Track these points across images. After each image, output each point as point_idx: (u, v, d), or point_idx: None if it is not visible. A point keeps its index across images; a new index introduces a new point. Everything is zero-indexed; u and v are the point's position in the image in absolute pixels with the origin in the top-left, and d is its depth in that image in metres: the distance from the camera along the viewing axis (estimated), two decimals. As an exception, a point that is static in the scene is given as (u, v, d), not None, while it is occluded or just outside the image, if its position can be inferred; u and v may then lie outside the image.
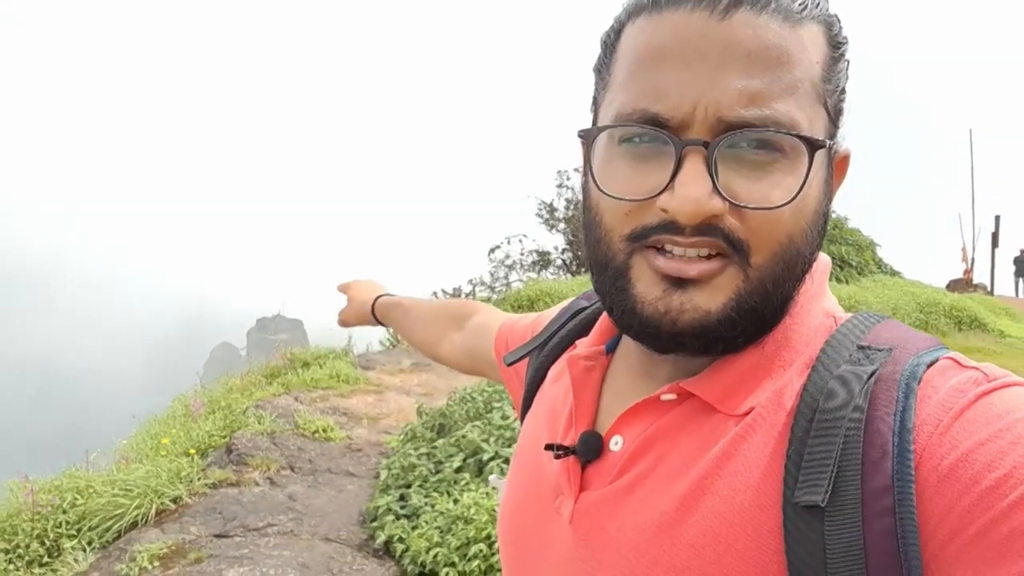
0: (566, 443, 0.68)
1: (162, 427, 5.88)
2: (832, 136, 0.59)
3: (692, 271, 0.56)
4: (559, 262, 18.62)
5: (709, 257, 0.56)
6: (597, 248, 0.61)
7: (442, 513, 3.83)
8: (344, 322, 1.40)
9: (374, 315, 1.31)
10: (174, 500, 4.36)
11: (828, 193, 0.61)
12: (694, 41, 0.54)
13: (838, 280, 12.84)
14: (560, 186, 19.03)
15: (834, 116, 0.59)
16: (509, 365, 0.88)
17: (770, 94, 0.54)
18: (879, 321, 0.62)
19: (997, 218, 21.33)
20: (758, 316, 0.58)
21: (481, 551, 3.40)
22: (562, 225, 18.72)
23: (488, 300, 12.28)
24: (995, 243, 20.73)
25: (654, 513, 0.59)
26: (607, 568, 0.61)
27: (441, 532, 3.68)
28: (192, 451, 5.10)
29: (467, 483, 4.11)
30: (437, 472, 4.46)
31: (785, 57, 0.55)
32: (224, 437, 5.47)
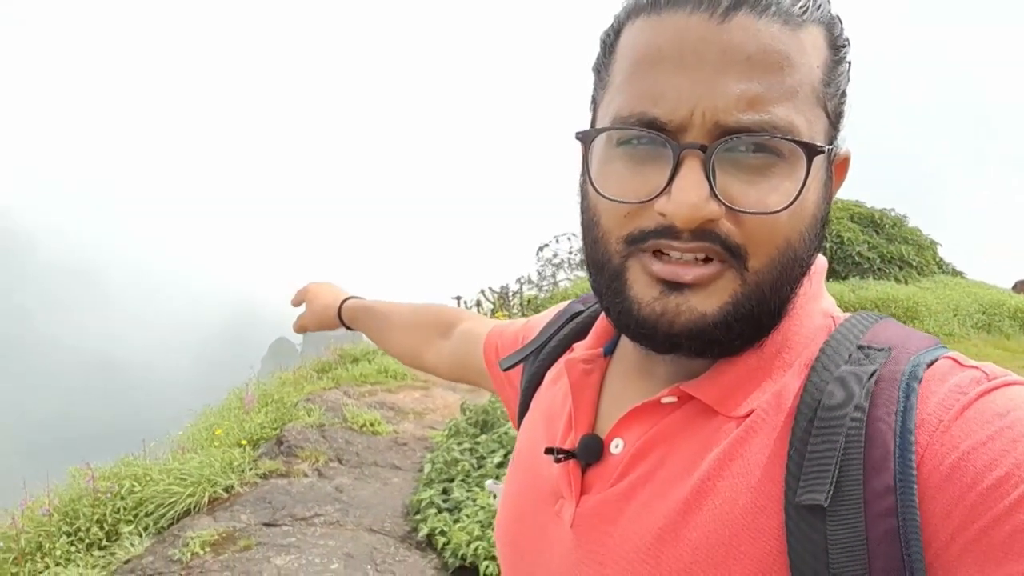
0: (566, 446, 0.68)
1: (217, 419, 6.07)
2: (832, 139, 0.59)
3: (688, 275, 0.56)
4: None
5: (706, 261, 0.56)
6: (594, 249, 0.61)
7: (483, 507, 3.88)
8: (303, 327, 1.34)
9: (340, 318, 1.27)
10: (226, 489, 4.50)
11: (827, 196, 0.60)
12: (692, 44, 0.54)
13: (896, 280, 12.47)
14: None
15: (834, 119, 0.58)
16: (505, 371, 0.88)
17: (769, 98, 0.53)
18: (877, 321, 0.62)
19: (1068, 216, 20.36)
20: (755, 320, 0.58)
21: (521, 545, 3.43)
22: None
23: (535, 298, 12.29)
24: (1066, 242, 19.79)
25: (656, 516, 0.59)
26: (610, 572, 0.61)
27: (482, 526, 3.73)
28: (244, 442, 5.25)
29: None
30: (479, 467, 4.51)
31: (785, 61, 0.54)
32: (275, 429, 5.62)
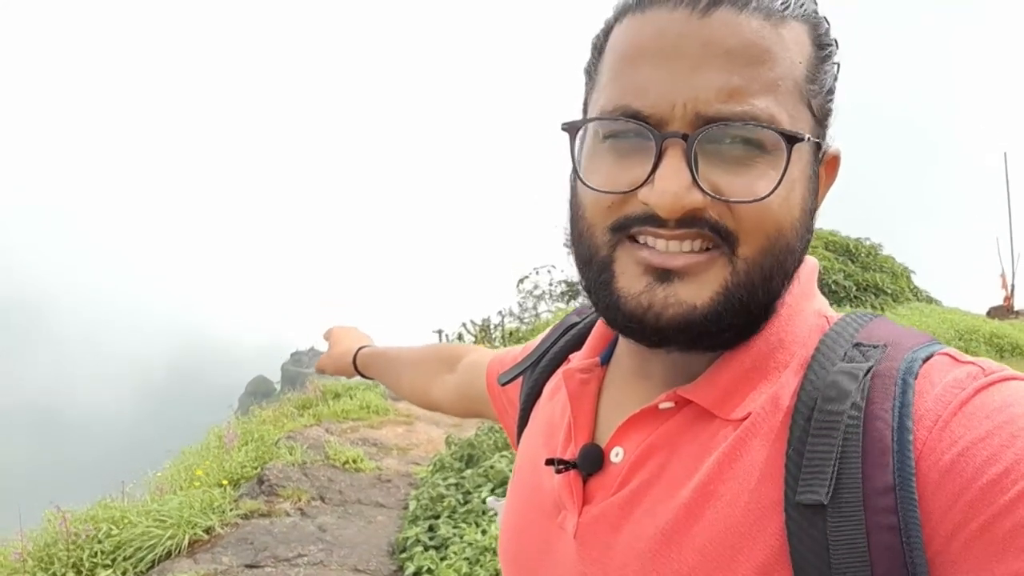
0: (566, 457, 0.67)
1: (196, 458, 5.96)
2: (819, 136, 0.59)
3: (677, 262, 0.56)
4: None
5: (695, 251, 0.56)
6: (581, 243, 0.61)
7: (471, 544, 3.82)
8: (321, 368, 1.35)
9: (355, 366, 1.27)
10: (207, 530, 4.40)
11: (815, 191, 0.60)
12: (674, 39, 0.55)
13: (872, 307, 12.61)
14: None
15: (820, 117, 0.59)
16: (503, 385, 0.88)
17: (749, 90, 0.54)
18: (871, 319, 0.62)
19: (1036, 242, 20.88)
20: (745, 310, 0.57)
21: (509, 582, 3.38)
22: None
23: (517, 331, 12.28)
24: (1035, 268, 20.27)
25: (659, 523, 0.59)
26: None
27: (470, 563, 3.67)
28: (225, 482, 5.15)
29: (496, 513, 4.09)
30: (466, 503, 4.45)
31: (765, 55, 0.55)
32: (256, 468, 5.52)
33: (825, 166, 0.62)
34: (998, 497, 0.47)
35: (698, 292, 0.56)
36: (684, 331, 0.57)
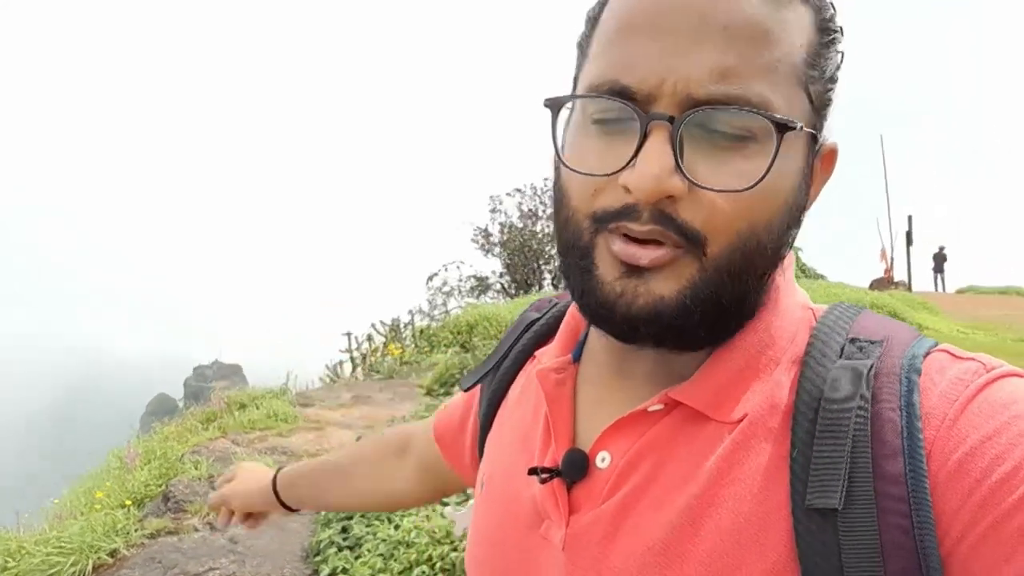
0: (546, 464, 0.64)
1: (96, 481, 5.74)
2: (814, 125, 0.56)
3: (644, 259, 0.54)
4: (497, 286, 18.77)
5: (662, 244, 0.54)
6: (565, 229, 0.59)
7: (384, 540, 3.87)
8: (219, 504, 1.13)
9: (277, 495, 1.06)
10: (111, 554, 4.28)
11: (806, 185, 0.58)
12: (668, 13, 0.52)
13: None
14: (493, 211, 19.29)
15: (818, 105, 0.56)
16: (466, 390, 0.83)
17: (744, 72, 0.51)
18: (858, 312, 0.61)
19: (909, 218, 22.49)
20: (716, 306, 0.55)
21: (424, 572, 3.46)
22: (498, 250, 18.91)
23: (428, 328, 12.30)
24: (909, 241, 21.84)
25: (657, 531, 0.57)
26: None
27: (384, 558, 3.72)
28: (128, 502, 5.00)
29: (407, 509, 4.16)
30: (378, 501, 4.49)
31: (764, 35, 0.52)
32: (160, 485, 5.38)
33: (821, 160, 0.60)
34: (1006, 497, 0.47)
35: (666, 284, 0.55)
36: (653, 322, 0.55)
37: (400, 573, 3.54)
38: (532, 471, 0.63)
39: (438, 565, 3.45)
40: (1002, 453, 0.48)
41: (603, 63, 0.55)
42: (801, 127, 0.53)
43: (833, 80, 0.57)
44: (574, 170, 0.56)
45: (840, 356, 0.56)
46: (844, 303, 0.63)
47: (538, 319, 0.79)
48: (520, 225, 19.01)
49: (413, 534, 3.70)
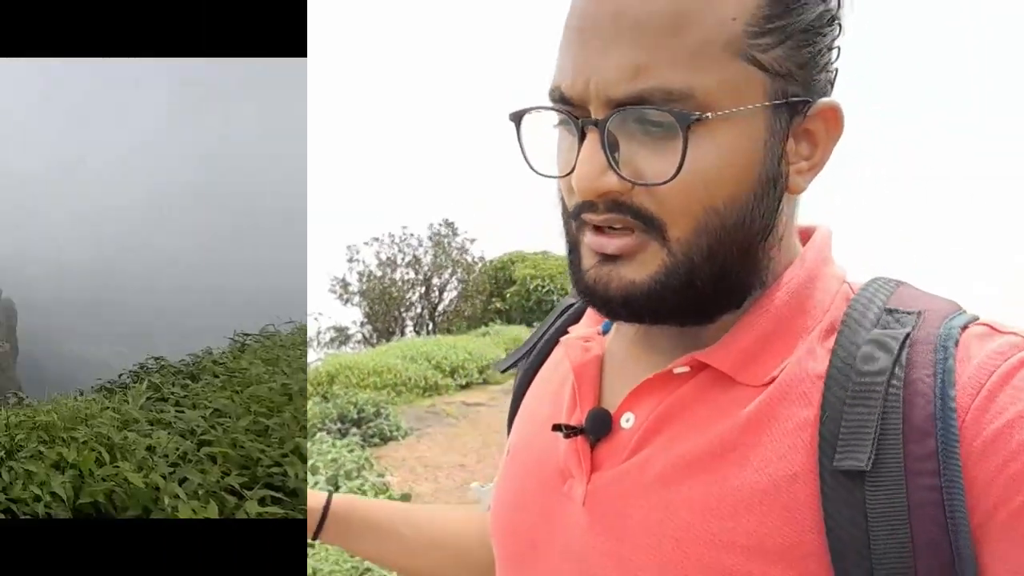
0: (572, 423, 0.66)
1: None
2: (784, 93, 0.55)
3: (610, 247, 0.57)
4: (358, 336, 18.60)
5: (626, 231, 0.57)
6: (564, 228, 0.63)
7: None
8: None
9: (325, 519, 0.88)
10: None
11: (774, 157, 0.57)
12: (592, 16, 0.54)
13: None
14: (351, 260, 19.04)
15: (782, 71, 0.55)
16: (503, 372, 0.86)
17: (658, 64, 0.52)
18: (898, 285, 0.61)
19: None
20: (690, 287, 0.57)
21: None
22: (357, 298, 18.75)
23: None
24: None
25: (680, 489, 0.58)
26: (629, 546, 0.59)
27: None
28: None
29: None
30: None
31: (679, 21, 0.52)
32: None
33: (820, 121, 0.58)
34: None
35: (637, 270, 0.57)
36: (627, 305, 0.58)
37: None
38: (556, 427, 0.65)
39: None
40: None
41: (554, 71, 0.58)
42: (709, 116, 0.53)
43: (806, 41, 0.56)
44: (540, 173, 0.62)
45: (876, 326, 0.57)
46: (884, 276, 0.63)
47: (574, 304, 0.81)
48: (379, 273, 19.01)
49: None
